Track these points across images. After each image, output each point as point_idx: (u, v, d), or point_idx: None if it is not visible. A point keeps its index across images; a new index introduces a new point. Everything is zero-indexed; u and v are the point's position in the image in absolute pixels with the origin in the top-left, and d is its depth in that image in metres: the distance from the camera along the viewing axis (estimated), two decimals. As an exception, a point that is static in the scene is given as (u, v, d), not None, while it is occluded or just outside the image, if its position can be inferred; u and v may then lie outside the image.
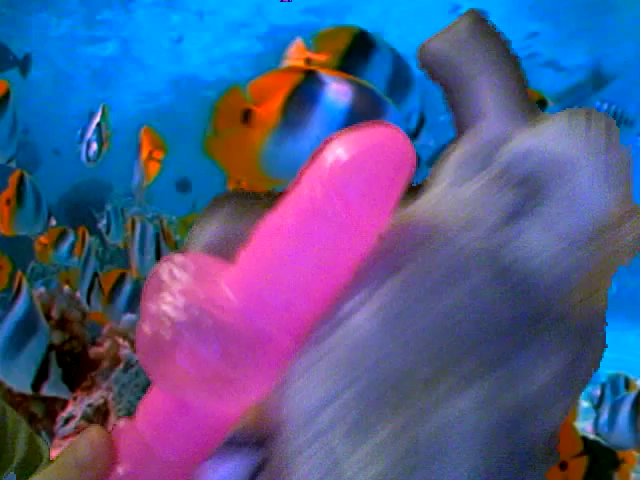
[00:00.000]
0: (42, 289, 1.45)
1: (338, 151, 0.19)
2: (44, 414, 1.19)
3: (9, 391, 1.17)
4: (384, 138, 0.19)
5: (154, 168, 1.59)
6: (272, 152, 0.69)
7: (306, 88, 0.69)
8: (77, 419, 1.08)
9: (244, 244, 0.21)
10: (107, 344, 1.25)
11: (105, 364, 1.24)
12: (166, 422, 0.20)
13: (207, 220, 0.24)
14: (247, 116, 0.70)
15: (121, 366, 1.22)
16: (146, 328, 0.20)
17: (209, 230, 0.23)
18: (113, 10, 6.25)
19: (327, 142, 0.20)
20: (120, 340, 1.28)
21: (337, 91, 0.69)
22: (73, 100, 7.79)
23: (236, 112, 0.70)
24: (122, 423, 0.21)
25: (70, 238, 1.90)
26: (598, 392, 1.45)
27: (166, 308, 0.20)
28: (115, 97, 7.70)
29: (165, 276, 0.21)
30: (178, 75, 7.78)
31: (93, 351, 1.25)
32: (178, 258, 0.21)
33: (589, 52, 5.96)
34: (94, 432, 0.20)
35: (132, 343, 1.31)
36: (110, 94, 7.75)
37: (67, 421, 1.07)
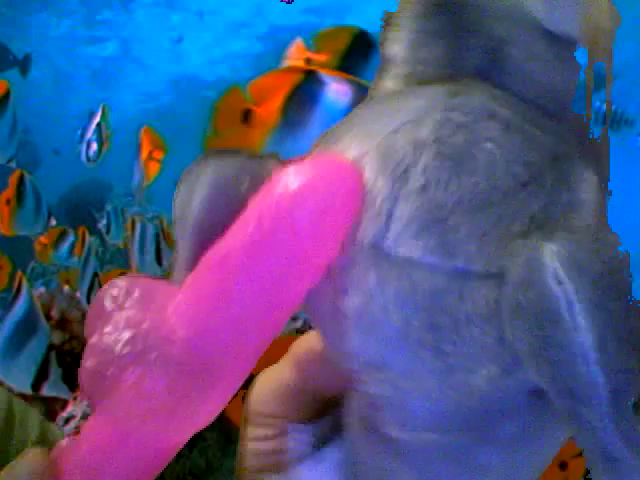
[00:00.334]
0: (42, 289, 1.45)
1: (287, 181, 0.19)
2: (44, 414, 1.18)
3: (9, 390, 1.17)
4: (332, 170, 0.19)
5: (154, 168, 1.59)
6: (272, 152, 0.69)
7: (306, 88, 0.70)
8: (77, 419, 1.08)
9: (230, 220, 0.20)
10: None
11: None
12: (111, 447, 0.20)
13: (193, 182, 0.23)
14: (247, 116, 0.71)
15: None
16: (89, 361, 0.19)
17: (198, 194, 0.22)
18: (113, 10, 6.25)
19: (277, 172, 0.20)
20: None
21: (337, 91, 0.69)
22: (73, 100, 7.78)
23: (236, 112, 0.71)
24: (65, 443, 0.20)
25: (70, 238, 1.89)
26: None
27: (109, 341, 0.19)
28: (115, 97, 7.69)
29: (108, 303, 0.20)
30: (178, 75, 7.77)
31: (93, 351, 1.25)
32: (121, 283, 0.20)
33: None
34: (33, 455, 0.19)
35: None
36: (110, 94, 7.74)
37: (67, 421, 1.07)
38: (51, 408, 1.20)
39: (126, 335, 0.19)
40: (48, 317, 1.24)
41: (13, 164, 1.45)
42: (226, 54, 7.08)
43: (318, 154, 0.21)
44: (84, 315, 1.34)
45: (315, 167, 0.19)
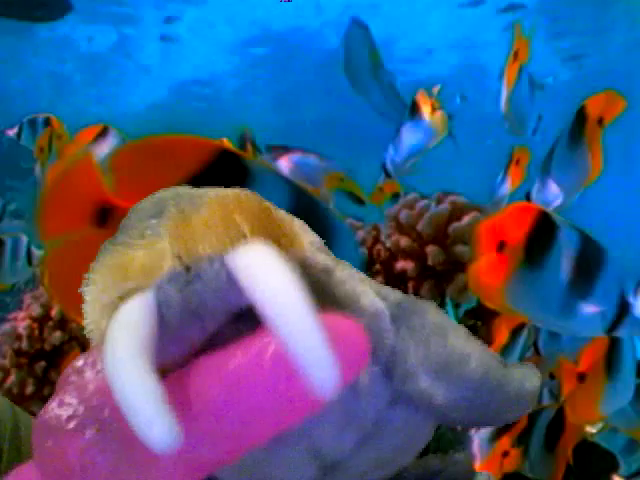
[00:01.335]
0: (42, 289, 1.45)
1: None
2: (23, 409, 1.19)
3: (9, 390, 1.18)
4: (345, 331, 0.19)
5: None
6: (519, 288, 0.70)
7: (544, 228, 0.70)
8: (77, 418, 1.09)
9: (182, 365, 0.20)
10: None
11: (104, 364, 1.24)
12: None
13: None
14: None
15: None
16: (46, 416, 0.19)
17: None
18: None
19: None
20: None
21: (567, 234, 0.71)
22: (71, 101, 7.78)
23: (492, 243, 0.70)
24: None
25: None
26: None
27: (64, 413, 0.19)
28: (114, 97, 7.68)
29: (74, 377, 0.20)
30: (176, 77, 7.77)
31: (92, 351, 1.25)
32: (89, 356, 0.20)
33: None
34: None
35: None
36: (108, 94, 7.73)
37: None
38: (51, 408, 1.21)
39: (83, 408, 0.19)
40: (48, 317, 1.24)
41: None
42: (224, 55, 7.07)
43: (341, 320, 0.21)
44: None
45: (327, 324, 0.19)
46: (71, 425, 0.18)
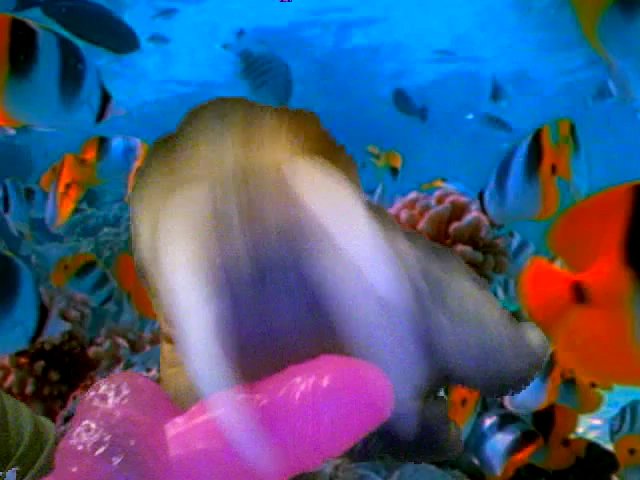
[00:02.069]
0: (42, 288, 1.45)
1: (328, 375, 0.20)
2: (44, 413, 1.19)
3: (9, 390, 1.18)
4: (371, 382, 0.20)
5: (67, 207, 1.39)
6: None
7: None
8: (77, 418, 1.09)
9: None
10: (106, 344, 1.26)
11: (104, 364, 1.24)
12: None
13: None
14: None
15: (121, 366, 1.23)
16: (72, 441, 0.19)
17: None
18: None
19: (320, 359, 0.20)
20: (119, 340, 1.28)
21: None
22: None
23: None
24: None
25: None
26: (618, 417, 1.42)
27: (91, 439, 0.19)
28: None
29: (96, 402, 0.20)
30: (167, 79, 7.76)
31: (92, 351, 1.26)
32: (122, 379, 0.21)
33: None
34: None
35: (131, 343, 1.31)
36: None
37: (67, 420, 1.08)
38: (51, 407, 1.21)
39: (103, 435, 0.19)
40: (48, 317, 1.24)
41: None
42: (220, 56, 7.07)
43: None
44: (83, 315, 1.35)
45: (355, 373, 0.20)
46: (98, 452, 0.18)
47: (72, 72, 0.81)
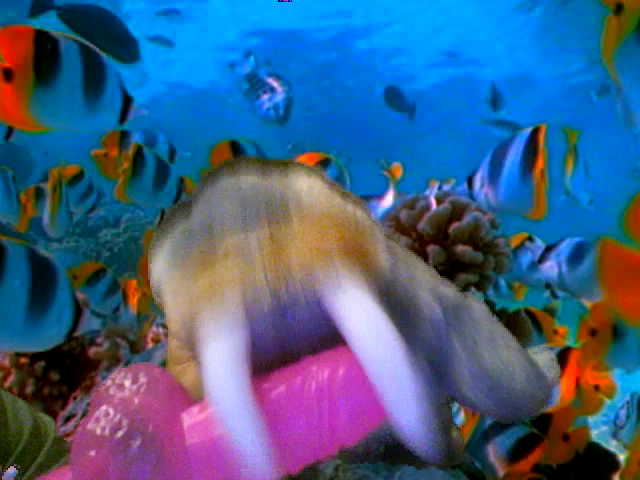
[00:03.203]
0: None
1: (345, 367, 0.20)
2: (44, 413, 1.19)
3: (9, 390, 1.18)
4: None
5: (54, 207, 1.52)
6: None
7: None
8: (77, 418, 1.09)
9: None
10: (106, 344, 1.26)
11: (104, 364, 1.24)
12: None
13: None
14: None
15: (121, 366, 1.23)
16: (91, 425, 0.20)
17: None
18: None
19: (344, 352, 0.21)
20: (119, 340, 1.28)
21: None
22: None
23: None
24: None
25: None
26: (623, 412, 1.41)
27: (110, 424, 0.19)
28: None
29: (113, 390, 0.20)
30: (171, 81, 7.76)
31: (92, 351, 1.26)
32: (138, 368, 0.21)
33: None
34: None
35: (131, 343, 1.31)
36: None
37: (67, 420, 1.08)
38: (51, 408, 1.20)
39: (124, 421, 0.19)
40: (48, 317, 1.24)
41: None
42: (221, 57, 7.07)
43: None
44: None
45: None
46: (117, 435, 0.19)
47: (94, 77, 0.85)
